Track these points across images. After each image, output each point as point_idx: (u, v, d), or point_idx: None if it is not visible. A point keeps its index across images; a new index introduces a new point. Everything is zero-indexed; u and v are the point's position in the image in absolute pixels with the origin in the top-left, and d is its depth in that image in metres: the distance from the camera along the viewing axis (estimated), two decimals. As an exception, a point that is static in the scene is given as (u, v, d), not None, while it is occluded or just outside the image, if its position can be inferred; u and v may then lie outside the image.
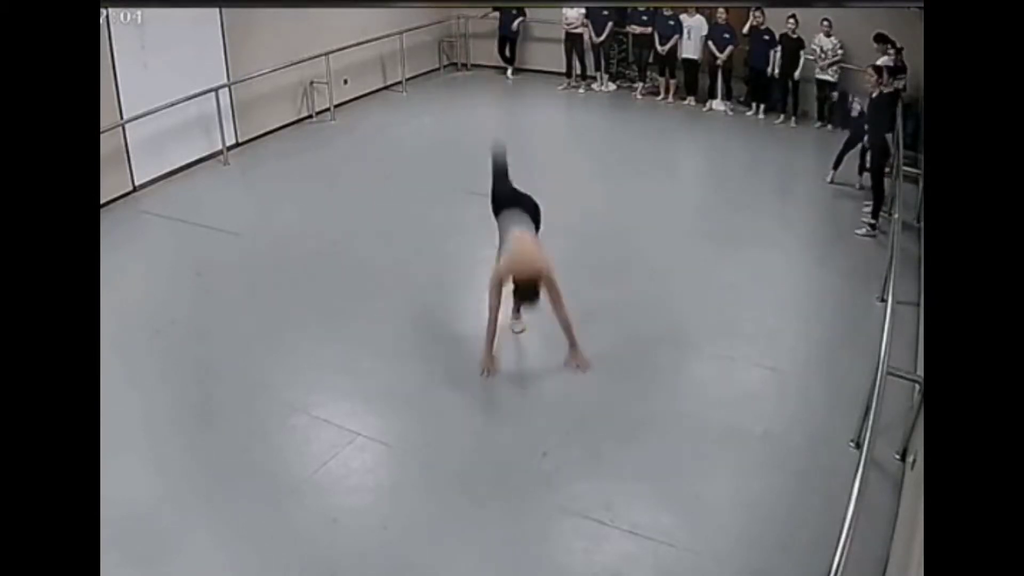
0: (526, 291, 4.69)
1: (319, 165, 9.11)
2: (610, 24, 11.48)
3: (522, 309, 5.34)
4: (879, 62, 7.90)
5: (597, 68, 12.02)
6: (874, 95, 7.20)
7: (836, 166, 8.36)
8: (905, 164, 7.07)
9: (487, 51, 12.95)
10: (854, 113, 8.21)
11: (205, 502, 4.16)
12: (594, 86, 12.09)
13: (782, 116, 10.43)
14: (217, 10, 8.60)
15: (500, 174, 5.38)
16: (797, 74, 10.07)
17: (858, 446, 4.28)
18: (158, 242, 7.26)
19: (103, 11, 6.75)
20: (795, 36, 9.91)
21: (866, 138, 7.70)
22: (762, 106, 10.60)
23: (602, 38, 11.62)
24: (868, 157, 8.04)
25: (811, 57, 9.92)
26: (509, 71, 12.74)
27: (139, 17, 7.74)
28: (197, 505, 4.13)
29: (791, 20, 9.83)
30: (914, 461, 3.86)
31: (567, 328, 4.87)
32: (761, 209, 7.94)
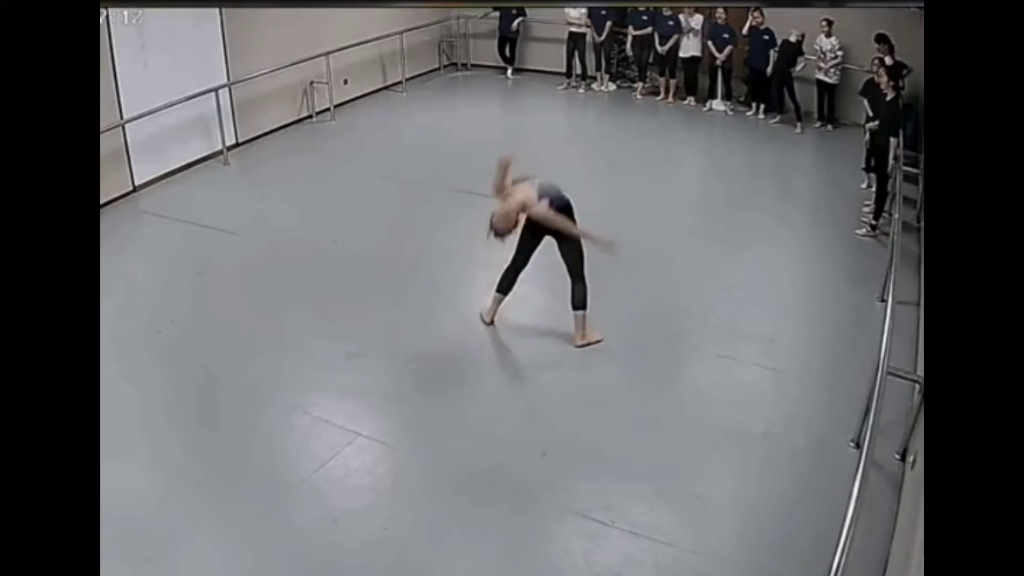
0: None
1: (319, 165, 9.11)
2: (608, 23, 11.47)
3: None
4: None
5: (597, 68, 12.02)
6: (888, 97, 7.11)
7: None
8: (905, 164, 7.06)
9: (487, 51, 12.96)
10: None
11: (205, 502, 4.16)
12: (594, 86, 12.10)
13: (780, 116, 10.42)
14: (217, 10, 8.60)
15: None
16: (795, 71, 10.03)
17: (858, 446, 4.28)
18: (158, 242, 7.26)
19: (103, 11, 6.75)
20: (794, 41, 9.89)
21: (867, 137, 7.68)
22: (762, 106, 10.60)
23: (602, 37, 11.62)
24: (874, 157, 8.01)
25: (812, 58, 9.92)
26: (509, 71, 12.75)
27: (139, 17, 7.74)
28: (197, 505, 4.13)
29: (793, 33, 9.81)
30: (914, 461, 3.86)
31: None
32: (761, 209, 7.94)
